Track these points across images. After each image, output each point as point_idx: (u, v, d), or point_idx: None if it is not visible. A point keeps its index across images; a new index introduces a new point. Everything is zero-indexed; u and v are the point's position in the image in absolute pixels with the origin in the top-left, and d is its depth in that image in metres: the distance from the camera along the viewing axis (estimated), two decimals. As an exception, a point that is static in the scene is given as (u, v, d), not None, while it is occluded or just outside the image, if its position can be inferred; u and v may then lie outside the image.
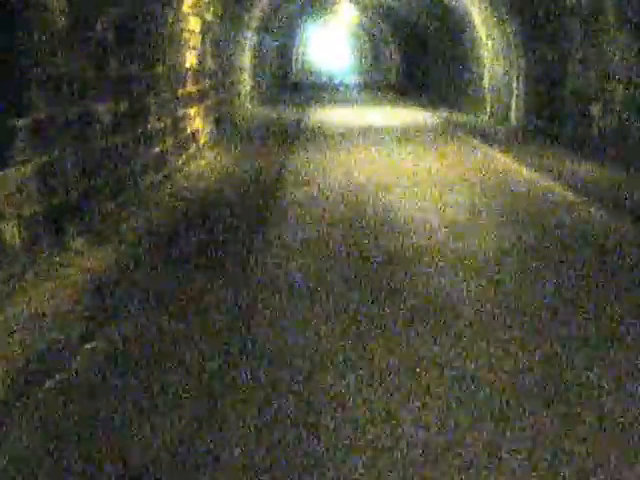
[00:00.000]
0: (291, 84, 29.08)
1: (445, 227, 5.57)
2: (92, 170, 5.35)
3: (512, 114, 14.47)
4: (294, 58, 33.90)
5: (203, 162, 9.11)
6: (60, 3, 4.65)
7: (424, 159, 9.23)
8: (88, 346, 3.11)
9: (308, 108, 18.30)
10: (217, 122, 11.54)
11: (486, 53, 16.60)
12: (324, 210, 6.19)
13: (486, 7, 15.55)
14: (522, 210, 6.18)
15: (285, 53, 28.30)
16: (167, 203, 6.43)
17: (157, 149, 7.40)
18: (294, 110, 17.77)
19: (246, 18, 14.97)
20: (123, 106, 6.09)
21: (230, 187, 7.28)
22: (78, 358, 3.04)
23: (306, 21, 32.12)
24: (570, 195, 6.88)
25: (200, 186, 7.35)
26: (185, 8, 7.97)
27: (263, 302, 3.81)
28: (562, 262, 4.61)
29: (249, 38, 16.55)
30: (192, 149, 9.36)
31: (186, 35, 8.41)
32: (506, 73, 15.10)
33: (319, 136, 11.97)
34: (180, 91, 8.50)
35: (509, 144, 10.88)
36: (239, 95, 15.18)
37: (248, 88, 17.23)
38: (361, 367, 3.01)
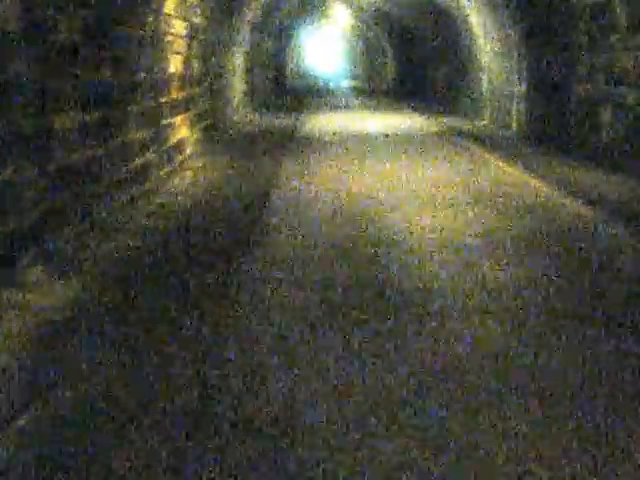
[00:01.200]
0: (285, 88, 28.48)
1: (457, 254, 4.95)
2: (54, 189, 4.72)
3: (513, 120, 13.88)
4: (289, 62, 33.33)
5: (189, 174, 8.49)
6: (13, 4, 4.04)
7: (426, 171, 8.62)
8: (20, 422, 2.49)
9: (303, 114, 17.71)
10: (206, 130, 10.93)
11: (484, 56, 16.03)
12: (316, 235, 5.57)
13: (485, 9, 14.98)
14: (540, 232, 5.55)
15: (279, 57, 27.72)
16: (143, 225, 5.80)
17: (137, 162, 6.78)
18: (288, 116, 17.17)
19: (238, 21, 14.38)
20: (94, 117, 5.46)
21: (214, 205, 6.66)
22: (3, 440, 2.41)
23: (300, 25, 31.56)
24: (591, 212, 6.27)
25: (182, 203, 6.73)
26: (167, 10, 7.35)
27: (239, 363, 3.17)
28: (599, 312, 3.99)
29: (241, 42, 15.95)
30: (178, 160, 8.74)
31: (169, 39, 7.80)
32: (506, 77, 14.52)
33: (313, 145, 11.36)
34: (164, 98, 7.88)
35: (514, 152, 10.29)
36: (231, 101, 14.57)
37: (241, 93, 16.62)
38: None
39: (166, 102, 8.00)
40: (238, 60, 15.74)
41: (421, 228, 5.70)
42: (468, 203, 6.65)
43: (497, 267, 4.61)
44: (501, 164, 9.16)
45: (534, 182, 7.75)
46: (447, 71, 20.39)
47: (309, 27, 36.96)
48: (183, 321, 3.63)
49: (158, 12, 6.94)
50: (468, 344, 3.31)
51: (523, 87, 13.31)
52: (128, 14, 6.02)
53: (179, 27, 8.20)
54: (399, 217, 6.15)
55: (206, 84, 11.04)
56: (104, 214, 5.60)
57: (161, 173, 7.79)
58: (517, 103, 13.69)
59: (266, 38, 21.28)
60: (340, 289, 4.13)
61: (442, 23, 19.55)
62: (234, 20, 13.55)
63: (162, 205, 6.58)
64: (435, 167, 8.90)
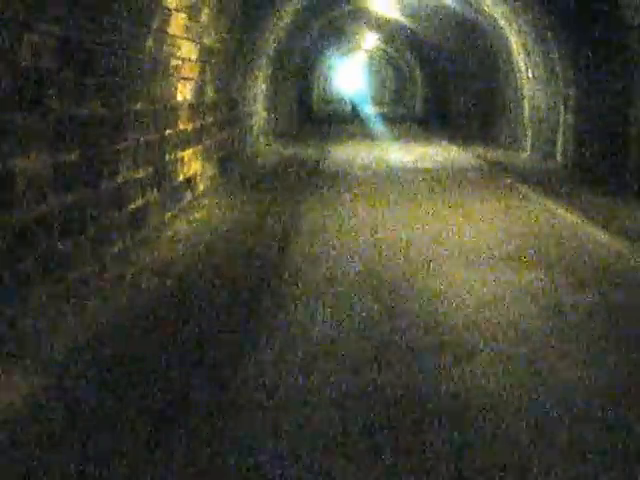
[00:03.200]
0: (311, 115, 27.63)
1: (516, 345, 3.86)
2: (14, 252, 3.74)
3: (558, 151, 12.75)
4: (314, 87, 32.53)
5: (198, 215, 7.50)
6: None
7: (468, 218, 7.50)
8: None
9: (328, 144, 16.72)
10: (222, 164, 9.97)
11: (525, 82, 14.95)
12: (343, 304, 4.52)
13: (526, 30, 13.94)
14: (627, 314, 4.42)
15: (305, 82, 26.90)
16: (130, 289, 4.77)
17: (133, 206, 5.80)
18: (313, 146, 16.20)
19: (260, 44, 13.49)
20: (74, 155, 4.49)
21: (220, 262, 5.63)
22: None
23: (327, 49, 30.79)
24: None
25: (183, 257, 5.71)
26: (173, 30, 6.42)
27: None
28: None
29: (263, 66, 15.07)
30: (186, 199, 7.76)
31: (176, 63, 6.86)
32: (550, 104, 13.41)
33: (339, 182, 10.29)
34: (169, 131, 6.92)
35: (566, 191, 9.14)
36: (251, 130, 13.64)
37: (262, 122, 15.71)
38: None
39: (172, 134, 7.04)
40: (259, 86, 14.85)
41: (473, 306, 4.60)
42: (525, 262, 5.54)
43: (573, 370, 3.50)
44: (554, 207, 8.02)
45: (599, 235, 6.59)
46: (482, 97, 19.33)
47: (336, 51, 36.23)
48: (162, 455, 2.59)
49: (161, 33, 6.00)
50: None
51: (570, 116, 12.20)
52: (120, 34, 5.06)
53: (188, 50, 7.26)
54: (446, 271, 5.07)
55: (222, 113, 10.11)
56: (84, 275, 4.59)
57: (165, 216, 6.80)
58: (563, 133, 12.57)
59: (291, 62, 20.45)
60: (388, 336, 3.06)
61: (478, 47, 18.54)
62: (255, 43, 12.66)
63: (158, 259, 5.56)
64: (479, 212, 7.79)
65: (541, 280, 5.02)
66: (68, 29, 4.21)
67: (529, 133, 14.82)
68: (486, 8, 15.54)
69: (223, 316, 4.24)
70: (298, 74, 23.52)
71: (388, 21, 24.09)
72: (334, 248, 6.02)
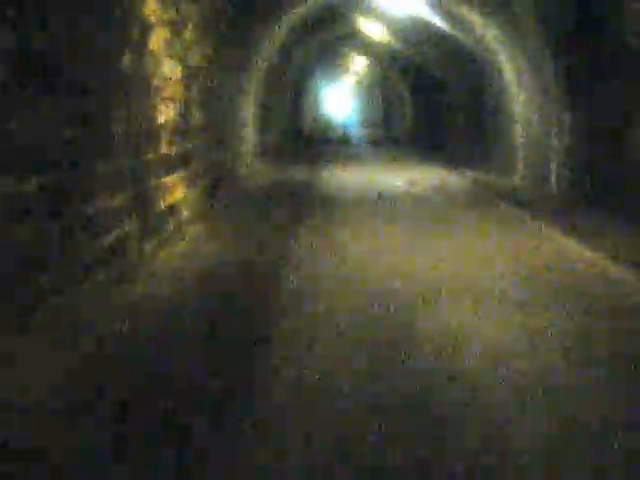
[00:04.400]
0: (301, 138, 27.22)
1: (536, 395, 3.32)
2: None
3: (553, 177, 12.31)
4: (305, 110, 32.18)
5: (181, 246, 6.95)
6: None
7: (466, 246, 7.00)
8: None
9: (319, 167, 16.24)
10: (209, 189, 9.44)
11: (517, 105, 14.55)
12: (337, 352, 3.98)
13: (518, 53, 13.57)
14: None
15: (295, 105, 26.53)
16: (99, 336, 4.20)
17: (108, 238, 5.25)
18: (304, 169, 15.72)
19: (249, 66, 13.05)
20: (35, 184, 3.95)
21: (203, 303, 5.08)
22: None
23: (318, 72, 30.52)
24: None
25: (162, 296, 5.15)
26: (154, 47, 5.91)
27: None
28: None
29: (253, 88, 14.62)
30: (170, 228, 7.22)
31: (158, 82, 6.35)
32: (543, 128, 13.00)
33: (330, 208, 9.78)
34: (150, 155, 6.39)
35: (568, 220, 8.66)
36: (241, 153, 13.15)
37: (252, 144, 15.24)
38: None
39: (154, 158, 6.51)
40: (250, 108, 14.39)
41: (479, 353, 4.06)
42: (535, 300, 5.01)
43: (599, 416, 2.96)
44: (559, 237, 7.53)
45: (612, 269, 6.07)
46: (473, 120, 18.95)
47: (326, 74, 36.01)
48: None
49: (140, 48, 5.49)
50: None
51: (565, 140, 11.77)
52: (88, 47, 4.55)
53: (172, 69, 6.76)
54: (445, 308, 4.53)
55: (210, 135, 9.60)
56: (45, 321, 4.02)
57: (146, 247, 6.25)
58: (558, 158, 12.14)
59: (282, 85, 20.04)
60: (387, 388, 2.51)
61: (468, 69, 18.20)
62: (244, 64, 12.21)
63: (132, 302, 4.99)
64: (481, 243, 7.28)
65: (553, 325, 4.49)
66: (26, 38, 3.69)
67: (520, 156, 14.41)
68: (478, 29, 15.22)
69: (207, 373, 3.68)
70: (289, 97, 23.13)
71: (378, 45, 23.81)
72: (325, 282, 5.47)
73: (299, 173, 14.73)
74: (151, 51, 5.83)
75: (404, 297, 5.10)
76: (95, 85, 4.74)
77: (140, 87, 5.74)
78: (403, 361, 3.80)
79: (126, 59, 5.17)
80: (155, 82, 6.21)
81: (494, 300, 4.98)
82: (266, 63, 15.44)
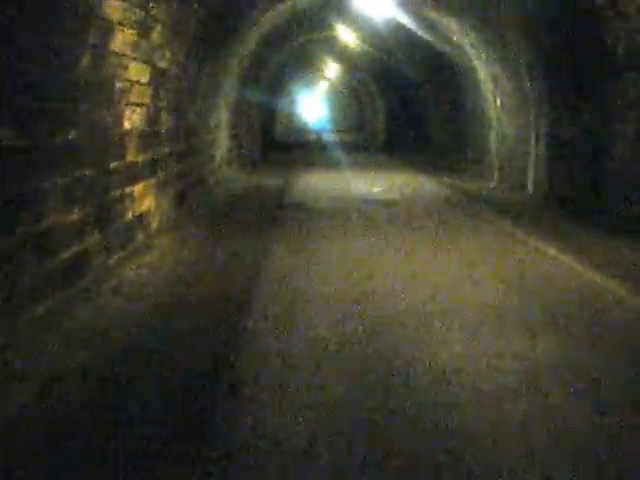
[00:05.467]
0: (275, 143, 26.84)
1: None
2: None
3: (529, 182, 12.11)
4: (279, 115, 31.81)
5: (148, 259, 6.56)
6: None
7: (448, 257, 6.72)
8: None
9: (293, 173, 15.90)
10: (179, 197, 9.05)
11: (494, 111, 14.34)
12: (313, 385, 3.65)
13: (495, 58, 13.37)
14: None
15: (269, 110, 26.15)
16: (50, 367, 3.81)
17: (66, 254, 4.86)
18: (278, 176, 15.36)
19: (222, 70, 12.67)
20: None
21: (170, 318, 4.72)
22: None
23: (292, 77, 30.18)
24: None
25: (123, 314, 4.77)
26: (117, 48, 5.53)
27: None
28: None
29: (227, 93, 14.24)
30: (137, 239, 6.83)
31: (123, 86, 5.96)
32: (520, 135, 12.81)
33: (305, 215, 9.43)
34: (115, 163, 6.01)
35: (548, 226, 8.45)
36: (213, 159, 12.76)
37: (225, 150, 14.84)
38: None
39: (119, 167, 6.13)
40: (222, 113, 14.00)
41: (487, 392, 3.75)
42: (535, 323, 4.73)
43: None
44: (541, 246, 7.27)
45: (599, 279, 5.83)
46: (447, 126, 18.75)
47: (300, 80, 35.69)
48: None
49: (100, 49, 5.11)
50: None
51: (542, 147, 11.59)
52: (39, 47, 4.16)
53: (138, 72, 6.38)
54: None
55: (181, 141, 9.22)
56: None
57: (109, 261, 5.86)
58: (535, 164, 11.95)
59: (255, 90, 19.66)
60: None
61: (443, 74, 18.00)
62: (217, 68, 11.84)
63: (92, 322, 4.59)
64: (462, 253, 6.99)
65: (567, 351, 4.20)
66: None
67: (496, 164, 14.22)
68: (454, 37, 15.00)
69: (171, 401, 3.32)
70: (263, 102, 22.74)
71: (352, 50, 23.55)
72: (302, 311, 5.13)
73: (272, 180, 14.37)
74: (114, 53, 5.45)
75: (380, 298, 4.78)
76: (50, 88, 4.35)
77: (102, 91, 5.36)
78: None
79: (85, 60, 4.79)
80: (119, 86, 5.83)
81: (479, 312, 4.69)
82: (239, 67, 15.06)
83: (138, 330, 4.43)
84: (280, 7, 13.88)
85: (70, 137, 4.81)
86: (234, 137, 16.58)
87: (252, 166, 17.73)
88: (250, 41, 14.76)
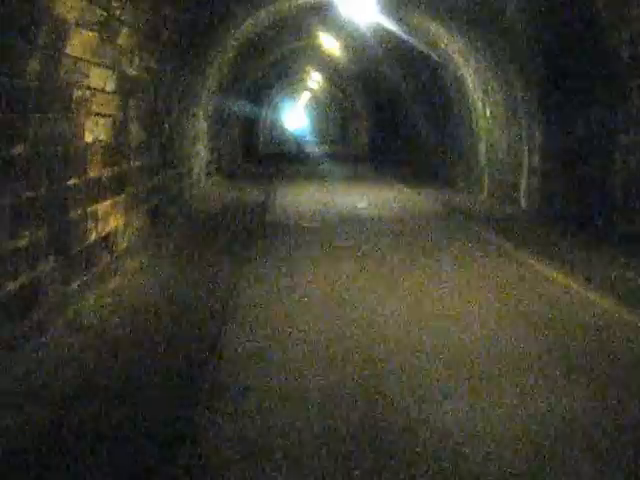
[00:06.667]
0: (257, 155, 26.28)
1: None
2: None
3: (522, 196, 11.63)
4: (261, 126, 31.25)
5: (113, 285, 5.94)
6: None
7: (444, 281, 6.17)
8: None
9: (275, 186, 15.30)
10: (152, 215, 8.43)
11: (483, 122, 13.87)
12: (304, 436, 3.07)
13: (485, 66, 12.91)
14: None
15: (251, 121, 25.60)
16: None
17: (14, 284, 4.24)
18: (259, 188, 14.77)
19: (200, 79, 12.10)
20: None
21: (132, 358, 4.11)
22: None
23: (274, 88, 29.67)
24: None
25: (79, 353, 4.16)
26: (75, 52, 4.93)
27: None
28: None
29: (206, 103, 13.66)
30: (102, 263, 6.20)
31: (83, 94, 5.36)
32: (511, 146, 12.33)
33: (286, 235, 8.82)
34: (74, 180, 5.40)
35: (546, 244, 7.92)
36: (190, 173, 12.15)
37: (203, 163, 14.25)
38: None
39: (79, 184, 5.51)
40: (201, 124, 13.41)
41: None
42: (550, 366, 4.18)
43: None
44: (543, 270, 6.72)
45: (607, 304, 5.29)
46: (434, 137, 18.27)
47: (283, 90, 35.20)
48: None
49: (53, 52, 4.50)
50: None
51: (535, 158, 11.11)
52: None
53: (102, 79, 5.78)
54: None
55: (154, 155, 8.61)
56: None
57: (68, 290, 5.24)
58: (527, 177, 11.47)
59: (235, 100, 19.10)
60: None
61: (430, 83, 17.53)
62: (194, 76, 11.26)
63: (39, 365, 3.96)
64: (458, 277, 6.44)
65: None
66: None
67: (485, 177, 13.74)
68: (442, 45, 14.55)
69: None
70: (244, 113, 22.17)
71: (335, 59, 23.10)
72: (283, 348, 4.54)
73: (253, 194, 13.76)
74: (72, 57, 4.85)
75: (363, 334, 4.21)
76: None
77: (57, 100, 4.75)
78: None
79: (34, 65, 4.19)
80: (79, 94, 5.23)
81: (491, 359, 4.13)
82: (219, 76, 14.50)
83: (86, 383, 3.80)
84: (262, 14, 13.36)
85: (17, 152, 4.21)
86: (213, 149, 16.00)
87: (231, 179, 17.13)
88: (230, 49, 14.21)
